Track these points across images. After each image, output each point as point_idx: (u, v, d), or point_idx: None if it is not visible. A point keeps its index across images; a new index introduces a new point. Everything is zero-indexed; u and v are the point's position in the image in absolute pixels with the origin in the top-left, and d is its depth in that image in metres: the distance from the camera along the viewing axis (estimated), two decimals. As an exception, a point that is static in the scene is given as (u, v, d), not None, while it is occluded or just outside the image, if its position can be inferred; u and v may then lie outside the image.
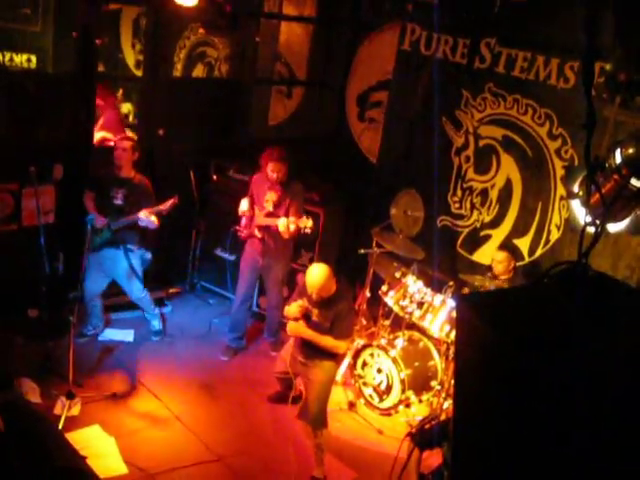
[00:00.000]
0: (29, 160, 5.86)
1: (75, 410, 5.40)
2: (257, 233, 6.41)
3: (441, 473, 3.73)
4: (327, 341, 5.18)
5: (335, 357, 5.35)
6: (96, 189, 6.20)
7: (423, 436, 3.94)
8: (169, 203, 6.02)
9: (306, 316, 5.26)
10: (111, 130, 7.52)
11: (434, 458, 4.00)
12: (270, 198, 6.33)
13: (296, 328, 5.27)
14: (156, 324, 6.80)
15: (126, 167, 6.14)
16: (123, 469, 4.96)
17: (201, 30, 9.05)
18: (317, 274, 5.12)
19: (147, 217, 5.96)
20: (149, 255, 6.52)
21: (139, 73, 9.53)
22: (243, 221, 6.50)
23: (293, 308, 5.29)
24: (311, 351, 5.29)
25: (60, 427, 5.12)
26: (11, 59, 8.82)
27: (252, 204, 6.46)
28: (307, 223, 6.02)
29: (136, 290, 6.49)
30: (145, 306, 6.72)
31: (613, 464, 1.81)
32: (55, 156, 6.42)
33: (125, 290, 6.53)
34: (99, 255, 6.21)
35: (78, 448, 4.63)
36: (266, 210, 6.35)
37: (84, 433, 5.21)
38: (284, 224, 6.08)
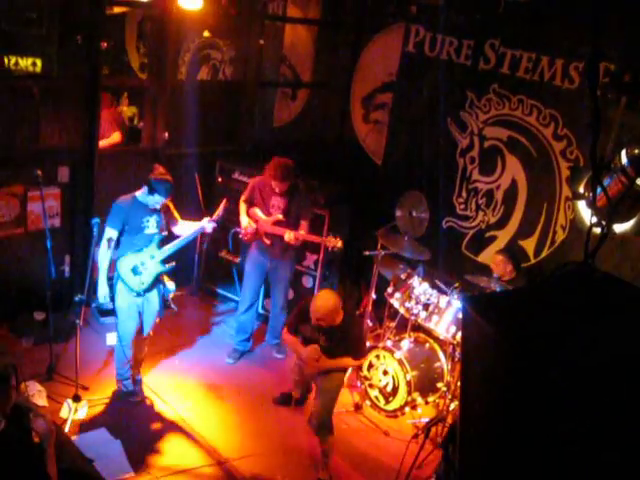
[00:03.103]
0: (34, 163, 5.88)
1: (81, 413, 5.41)
2: (265, 240, 6.31)
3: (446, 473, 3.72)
4: (349, 362, 5.32)
5: (344, 369, 5.40)
6: (127, 226, 5.36)
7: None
8: (222, 207, 5.77)
9: (314, 341, 5.27)
10: (104, 130, 7.21)
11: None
12: (277, 204, 6.27)
13: (318, 366, 5.25)
14: (128, 383, 5.78)
15: None
16: (129, 472, 4.95)
17: (206, 33, 9.07)
18: (324, 301, 5.12)
19: (210, 225, 5.66)
20: (173, 285, 5.76)
21: (144, 76, 9.54)
22: (249, 229, 6.33)
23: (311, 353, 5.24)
24: None
25: (67, 430, 5.14)
26: (16, 63, 8.84)
27: (250, 209, 6.37)
28: (337, 243, 5.98)
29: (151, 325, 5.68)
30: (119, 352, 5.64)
31: (619, 465, 1.81)
32: (60, 159, 6.43)
33: (145, 327, 5.65)
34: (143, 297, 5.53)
35: (84, 451, 4.66)
36: (274, 217, 6.25)
37: (90, 436, 5.22)
38: (290, 237, 6.06)
